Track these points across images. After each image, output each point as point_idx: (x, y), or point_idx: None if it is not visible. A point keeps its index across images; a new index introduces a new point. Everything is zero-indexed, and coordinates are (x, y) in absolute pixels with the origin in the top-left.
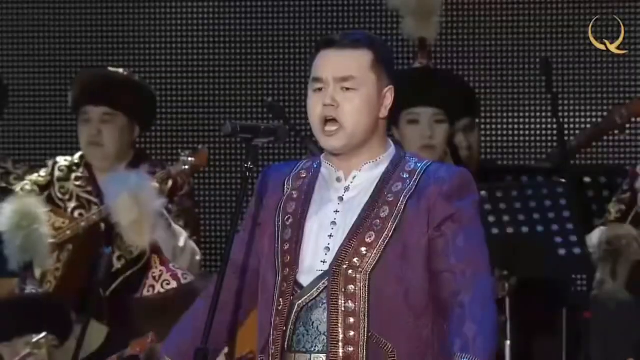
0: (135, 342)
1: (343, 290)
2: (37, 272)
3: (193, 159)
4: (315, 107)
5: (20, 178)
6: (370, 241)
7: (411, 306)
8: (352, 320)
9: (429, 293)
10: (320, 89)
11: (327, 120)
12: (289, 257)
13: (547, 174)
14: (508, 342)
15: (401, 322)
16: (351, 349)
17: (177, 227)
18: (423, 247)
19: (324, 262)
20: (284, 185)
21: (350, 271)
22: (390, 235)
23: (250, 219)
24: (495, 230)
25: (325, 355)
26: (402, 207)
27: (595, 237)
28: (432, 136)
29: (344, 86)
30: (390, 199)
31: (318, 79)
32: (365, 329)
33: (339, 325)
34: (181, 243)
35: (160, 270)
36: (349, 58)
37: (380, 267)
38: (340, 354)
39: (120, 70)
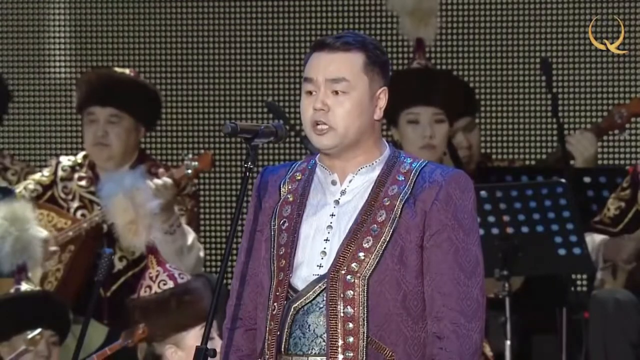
0: (126, 333)
1: (342, 295)
2: (39, 273)
3: (197, 162)
4: (307, 111)
5: (18, 174)
6: (368, 246)
7: (409, 310)
8: (351, 325)
9: (425, 295)
10: (311, 92)
11: (318, 124)
12: (283, 262)
13: (547, 174)
14: (508, 342)
15: (399, 326)
16: (351, 354)
17: (185, 226)
18: (419, 251)
19: (320, 266)
20: (280, 189)
21: (348, 276)
22: (387, 240)
23: (252, 228)
24: (495, 230)
25: (322, 357)
26: (398, 212)
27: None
28: (433, 136)
29: (335, 89)
30: (387, 203)
31: (309, 79)
32: (365, 334)
33: (338, 331)
34: (189, 242)
35: (157, 271)
36: (340, 60)
37: (378, 272)
38: None
39: (127, 70)
